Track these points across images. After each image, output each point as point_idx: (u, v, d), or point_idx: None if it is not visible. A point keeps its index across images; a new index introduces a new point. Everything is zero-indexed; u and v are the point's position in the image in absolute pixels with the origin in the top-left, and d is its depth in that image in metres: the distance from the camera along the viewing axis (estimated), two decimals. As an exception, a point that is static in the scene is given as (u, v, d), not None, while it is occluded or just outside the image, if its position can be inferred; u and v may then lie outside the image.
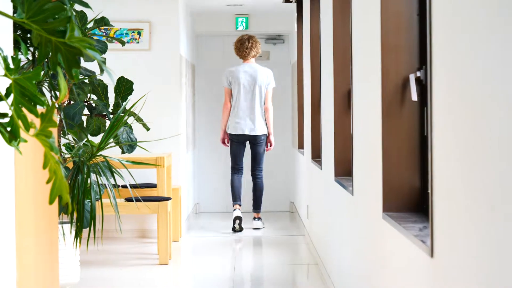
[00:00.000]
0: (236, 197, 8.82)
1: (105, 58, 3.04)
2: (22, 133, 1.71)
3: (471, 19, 2.18)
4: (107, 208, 6.32)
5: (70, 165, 4.05)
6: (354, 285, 4.41)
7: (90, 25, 4.49)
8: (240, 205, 8.79)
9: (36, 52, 3.14)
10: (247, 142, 8.91)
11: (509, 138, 1.84)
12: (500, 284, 1.92)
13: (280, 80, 10.28)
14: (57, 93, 4.12)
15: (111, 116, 4.63)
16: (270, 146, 8.92)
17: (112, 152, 6.47)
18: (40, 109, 1.77)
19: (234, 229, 8.67)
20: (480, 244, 2.07)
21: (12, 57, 1.71)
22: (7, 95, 1.69)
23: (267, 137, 8.87)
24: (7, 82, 1.72)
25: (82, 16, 4.44)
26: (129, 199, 6.77)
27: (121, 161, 4.07)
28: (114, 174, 3.99)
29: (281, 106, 10.37)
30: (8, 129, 1.68)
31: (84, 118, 4.63)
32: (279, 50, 10.59)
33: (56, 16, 1.73)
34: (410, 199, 3.38)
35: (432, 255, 2.58)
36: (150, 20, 8.28)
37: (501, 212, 1.90)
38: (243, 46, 8.87)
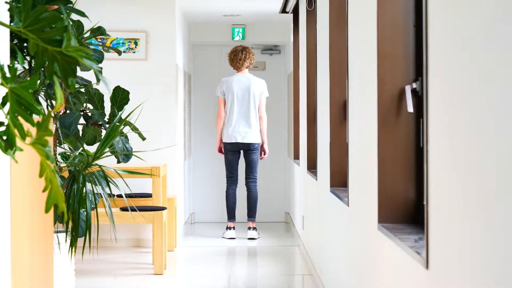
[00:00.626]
0: (231, 215, 8.98)
1: (101, 68, 3.04)
2: (18, 142, 1.71)
3: (467, 30, 2.18)
4: (102, 217, 6.32)
5: (66, 174, 4.04)
6: (349, 296, 4.41)
7: (86, 35, 4.50)
8: (234, 222, 9.00)
9: (33, 61, 3.14)
10: (241, 151, 8.96)
11: (506, 150, 1.84)
12: (495, 296, 1.92)
13: (276, 91, 10.29)
14: (53, 102, 4.12)
15: (107, 125, 4.63)
16: (264, 154, 9.02)
17: (108, 162, 6.47)
18: (36, 118, 1.77)
19: (224, 238, 8.89)
20: (475, 256, 2.07)
21: (8, 66, 1.71)
22: (3, 104, 1.69)
23: (261, 145, 8.95)
24: (4, 91, 1.72)
25: (78, 25, 4.45)
26: (124, 209, 6.76)
27: (116, 171, 4.06)
28: (110, 183, 3.99)
29: (277, 116, 10.38)
30: (4, 137, 1.68)
31: (80, 127, 4.63)
32: (275, 61, 10.60)
33: (53, 26, 1.74)
34: (406, 210, 3.38)
35: (427, 266, 2.58)
36: (146, 30, 8.28)
37: (497, 224, 1.90)
38: (237, 57, 8.94)
